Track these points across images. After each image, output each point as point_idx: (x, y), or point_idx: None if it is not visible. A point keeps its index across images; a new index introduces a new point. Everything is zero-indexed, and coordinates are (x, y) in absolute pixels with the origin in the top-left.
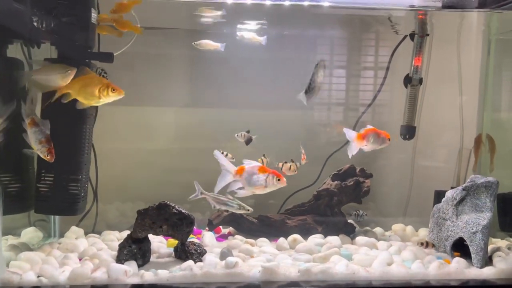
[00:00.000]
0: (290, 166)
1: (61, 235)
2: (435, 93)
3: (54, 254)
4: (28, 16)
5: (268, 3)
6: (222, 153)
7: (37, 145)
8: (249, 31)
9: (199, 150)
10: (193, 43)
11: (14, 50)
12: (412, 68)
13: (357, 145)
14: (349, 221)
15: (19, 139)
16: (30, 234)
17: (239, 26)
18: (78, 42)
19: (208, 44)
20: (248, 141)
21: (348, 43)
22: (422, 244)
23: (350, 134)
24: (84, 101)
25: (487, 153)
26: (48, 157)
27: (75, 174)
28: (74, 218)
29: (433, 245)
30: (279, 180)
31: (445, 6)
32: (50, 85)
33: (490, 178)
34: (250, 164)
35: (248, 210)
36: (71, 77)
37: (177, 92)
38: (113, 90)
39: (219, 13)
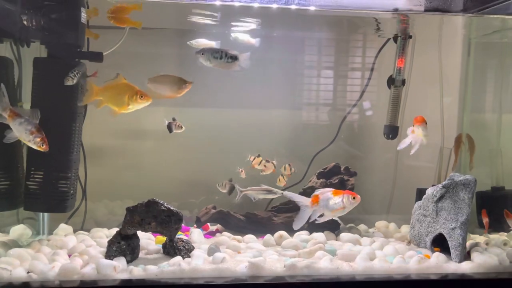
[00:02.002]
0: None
1: (50, 232)
2: (418, 94)
3: (44, 251)
4: (18, 15)
5: (256, 5)
6: (241, 170)
7: (27, 136)
8: (240, 33)
9: (188, 148)
10: (188, 42)
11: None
12: (395, 69)
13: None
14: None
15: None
16: (19, 231)
17: (232, 28)
18: (68, 41)
19: (203, 43)
20: (231, 190)
21: (335, 44)
22: (409, 242)
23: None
24: (115, 108)
25: (466, 152)
26: (43, 146)
27: (64, 172)
28: (62, 215)
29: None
30: (354, 198)
31: (428, 10)
32: (163, 94)
33: (468, 176)
34: (321, 191)
35: (282, 193)
36: (187, 90)
37: None
38: (141, 97)
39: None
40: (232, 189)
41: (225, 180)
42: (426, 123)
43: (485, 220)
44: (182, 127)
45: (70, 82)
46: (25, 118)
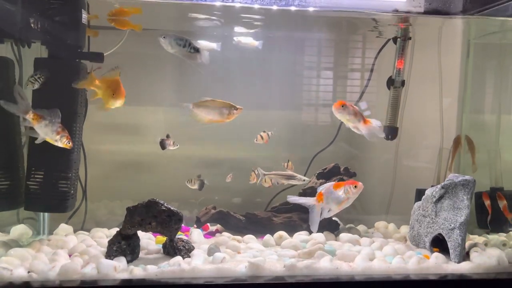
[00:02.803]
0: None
1: (50, 232)
2: (417, 95)
3: (44, 250)
4: (19, 16)
5: (256, 6)
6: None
7: (55, 136)
8: (243, 35)
9: (187, 149)
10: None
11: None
12: (395, 70)
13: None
14: (333, 218)
15: (8, 137)
16: (19, 231)
17: (233, 29)
18: (69, 42)
19: (203, 45)
20: (201, 186)
21: (335, 45)
22: (406, 239)
23: None
24: (104, 101)
25: (466, 153)
26: (69, 144)
27: (65, 172)
28: (62, 215)
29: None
30: (356, 186)
31: (427, 11)
32: (211, 118)
33: (467, 177)
34: (323, 188)
35: (304, 180)
36: (236, 116)
37: (166, 92)
38: (113, 95)
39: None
40: (202, 185)
41: (194, 177)
42: (342, 106)
43: (487, 202)
44: (177, 145)
45: (30, 86)
46: (48, 119)
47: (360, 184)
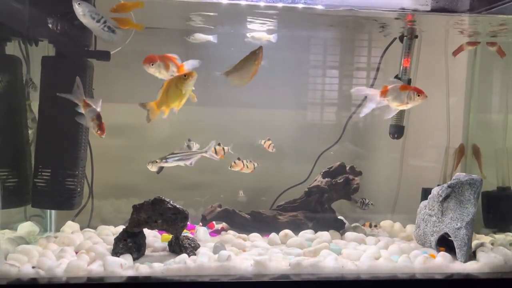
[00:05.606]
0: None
1: (57, 229)
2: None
3: (51, 248)
4: (26, 14)
5: (262, 4)
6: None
7: (90, 122)
8: (256, 31)
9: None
10: (185, 37)
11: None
12: (401, 69)
13: None
14: (339, 217)
15: (16, 134)
16: (26, 228)
17: (241, 27)
18: (76, 40)
19: (201, 37)
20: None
21: (341, 43)
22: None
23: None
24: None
25: (472, 158)
26: (99, 132)
27: (71, 170)
28: (69, 213)
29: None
30: (419, 95)
31: (434, 10)
32: (245, 79)
33: (474, 176)
34: (391, 85)
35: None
36: (261, 59)
37: None
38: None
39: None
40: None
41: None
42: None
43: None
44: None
45: None
46: (91, 107)
47: (424, 94)
